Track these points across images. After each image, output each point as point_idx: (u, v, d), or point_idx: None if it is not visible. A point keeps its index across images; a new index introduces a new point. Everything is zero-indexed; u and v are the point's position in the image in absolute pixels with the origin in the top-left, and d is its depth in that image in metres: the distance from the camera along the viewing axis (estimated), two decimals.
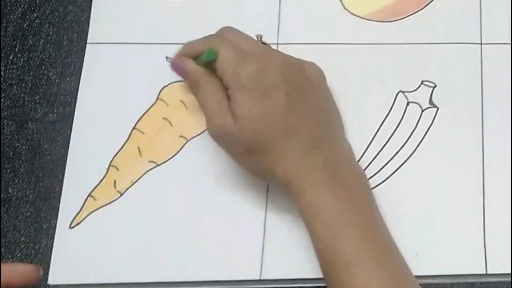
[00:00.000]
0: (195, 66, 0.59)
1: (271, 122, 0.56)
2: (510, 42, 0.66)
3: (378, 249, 0.55)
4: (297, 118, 0.56)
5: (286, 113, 0.56)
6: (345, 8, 0.68)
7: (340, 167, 0.57)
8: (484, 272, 0.60)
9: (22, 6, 0.69)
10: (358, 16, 0.68)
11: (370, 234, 0.55)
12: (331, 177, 0.56)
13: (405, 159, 0.63)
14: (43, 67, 0.67)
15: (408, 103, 0.65)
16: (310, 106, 0.58)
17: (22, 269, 0.46)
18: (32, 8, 0.69)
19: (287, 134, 0.56)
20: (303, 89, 0.58)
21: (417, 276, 0.58)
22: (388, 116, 0.64)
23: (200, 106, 0.60)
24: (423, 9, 0.68)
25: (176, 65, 0.61)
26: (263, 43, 0.62)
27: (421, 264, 0.59)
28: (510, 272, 0.59)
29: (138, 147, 0.64)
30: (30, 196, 0.63)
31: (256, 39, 0.62)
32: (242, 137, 0.56)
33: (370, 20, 0.68)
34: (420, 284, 0.58)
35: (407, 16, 0.68)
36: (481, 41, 0.66)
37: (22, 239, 0.62)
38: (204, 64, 0.59)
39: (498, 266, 0.60)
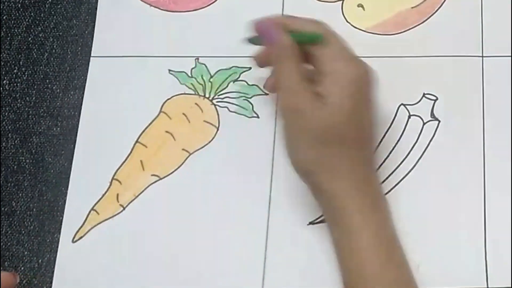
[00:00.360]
0: (288, 38, 0.58)
1: (360, 125, 0.56)
2: (511, 55, 0.67)
3: (400, 272, 0.56)
4: (371, 132, 0.59)
5: (371, 126, 0.58)
6: (347, 21, 0.69)
7: (377, 189, 0.58)
8: (485, 286, 0.60)
9: (27, 20, 0.70)
10: (360, 29, 0.68)
11: (396, 259, 0.56)
12: (371, 201, 0.56)
13: (407, 171, 0.63)
14: (47, 81, 0.68)
15: (409, 116, 0.65)
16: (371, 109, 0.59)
17: None
18: (37, 22, 0.70)
19: (361, 143, 0.57)
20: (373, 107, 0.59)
21: None
22: (390, 129, 0.65)
23: (276, 80, 0.59)
24: (424, 22, 0.68)
25: (267, 28, 0.59)
26: None
27: (422, 277, 0.59)
28: (510, 286, 0.60)
29: (141, 161, 0.64)
30: (34, 209, 0.63)
31: None
32: (326, 123, 0.55)
33: (372, 33, 0.68)
34: None
35: (409, 29, 0.68)
36: (482, 54, 0.67)
37: (26, 252, 0.62)
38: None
39: (499, 280, 0.60)
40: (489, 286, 0.60)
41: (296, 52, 0.57)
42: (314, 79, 0.57)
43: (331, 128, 0.55)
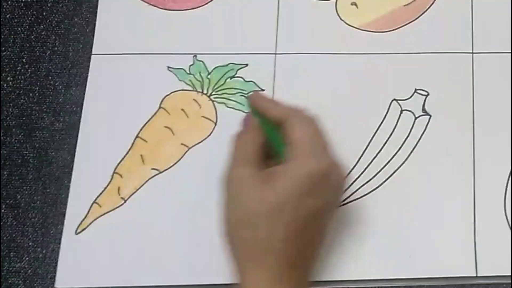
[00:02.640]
0: (255, 123, 0.59)
1: (286, 225, 0.54)
2: (510, 51, 0.68)
3: None
4: (301, 240, 0.55)
5: (299, 231, 0.55)
6: (341, 19, 0.69)
7: (290, 270, 0.55)
8: (474, 275, 0.61)
9: (29, 18, 0.70)
10: (354, 27, 0.69)
11: None
12: (279, 274, 0.54)
13: (399, 165, 0.65)
14: (50, 78, 0.68)
15: (401, 111, 0.66)
16: (317, 229, 0.57)
17: None
18: (39, 20, 0.70)
19: (282, 247, 0.54)
20: (322, 207, 0.56)
21: (409, 279, 0.60)
22: (383, 123, 0.66)
23: (233, 149, 0.59)
24: (416, 20, 0.69)
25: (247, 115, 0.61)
26: None
27: (413, 266, 0.61)
28: (499, 274, 0.61)
29: (141, 155, 0.65)
30: (38, 202, 0.64)
31: None
32: (253, 208, 0.55)
33: (365, 30, 0.69)
34: (412, 286, 0.60)
35: (401, 26, 0.69)
36: (472, 50, 0.68)
37: (30, 243, 0.63)
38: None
39: (487, 269, 0.61)
40: (478, 275, 0.61)
41: (255, 132, 0.59)
42: None
43: (241, 222, 0.55)
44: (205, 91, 0.67)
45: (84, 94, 0.67)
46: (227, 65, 0.68)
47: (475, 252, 0.62)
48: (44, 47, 0.69)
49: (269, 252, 0.54)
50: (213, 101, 0.67)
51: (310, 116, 0.59)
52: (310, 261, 0.57)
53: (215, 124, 0.66)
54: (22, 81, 0.68)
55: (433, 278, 0.61)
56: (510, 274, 0.61)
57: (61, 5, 0.71)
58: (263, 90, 0.67)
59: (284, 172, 0.55)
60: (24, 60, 0.69)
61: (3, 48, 0.69)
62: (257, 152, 0.58)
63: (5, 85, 0.68)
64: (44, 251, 0.63)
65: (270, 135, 0.59)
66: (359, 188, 0.64)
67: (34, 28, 0.70)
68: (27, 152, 0.66)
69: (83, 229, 0.63)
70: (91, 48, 0.69)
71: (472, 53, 0.68)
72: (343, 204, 0.63)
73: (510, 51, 0.67)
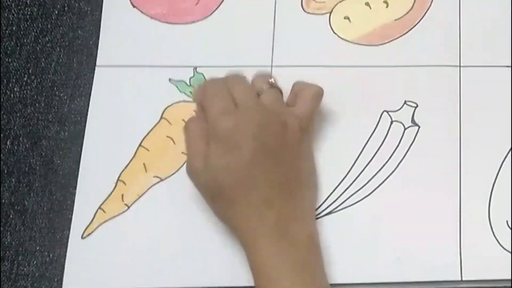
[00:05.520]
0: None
1: (233, 175, 0.58)
2: (497, 64, 0.69)
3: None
4: (258, 174, 0.59)
5: (249, 169, 0.58)
6: (334, 33, 0.70)
7: (290, 225, 0.59)
8: (459, 279, 0.62)
9: (35, 30, 0.71)
10: (346, 40, 0.70)
11: None
12: (279, 234, 0.58)
13: (389, 173, 0.66)
14: (55, 89, 0.69)
15: (392, 122, 0.67)
16: (275, 164, 0.60)
17: None
18: (44, 33, 0.71)
19: (246, 188, 0.58)
20: (273, 148, 0.60)
21: (397, 282, 0.62)
22: (374, 133, 0.67)
23: (185, 145, 0.62)
24: (406, 34, 0.70)
25: None
26: (273, 86, 0.64)
27: (401, 269, 0.62)
28: (482, 278, 0.63)
29: (143, 163, 0.66)
30: (45, 208, 0.65)
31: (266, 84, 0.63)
32: (207, 184, 0.60)
33: (358, 44, 0.70)
34: None
35: (392, 40, 0.70)
36: (459, 64, 0.69)
37: (38, 248, 0.64)
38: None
39: (472, 273, 0.62)
40: (463, 279, 0.62)
41: (197, 120, 0.62)
42: None
43: (209, 187, 0.60)
44: None
45: (88, 104, 0.68)
46: None
47: (460, 257, 0.63)
48: (49, 59, 0.70)
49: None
50: None
51: (223, 81, 0.63)
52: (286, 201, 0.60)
53: None
54: (28, 91, 0.69)
55: (420, 282, 0.62)
56: (493, 278, 0.62)
57: (65, 18, 0.71)
58: None
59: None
60: (30, 71, 0.69)
61: (10, 60, 0.70)
62: (202, 135, 0.61)
63: (12, 95, 0.69)
64: (51, 255, 0.64)
65: None
66: (351, 195, 0.65)
67: (40, 40, 0.70)
68: (33, 160, 0.67)
69: (89, 234, 0.64)
70: (94, 60, 0.69)
71: (459, 66, 0.69)
72: (335, 211, 0.65)
73: (510, 65, 0.69)
